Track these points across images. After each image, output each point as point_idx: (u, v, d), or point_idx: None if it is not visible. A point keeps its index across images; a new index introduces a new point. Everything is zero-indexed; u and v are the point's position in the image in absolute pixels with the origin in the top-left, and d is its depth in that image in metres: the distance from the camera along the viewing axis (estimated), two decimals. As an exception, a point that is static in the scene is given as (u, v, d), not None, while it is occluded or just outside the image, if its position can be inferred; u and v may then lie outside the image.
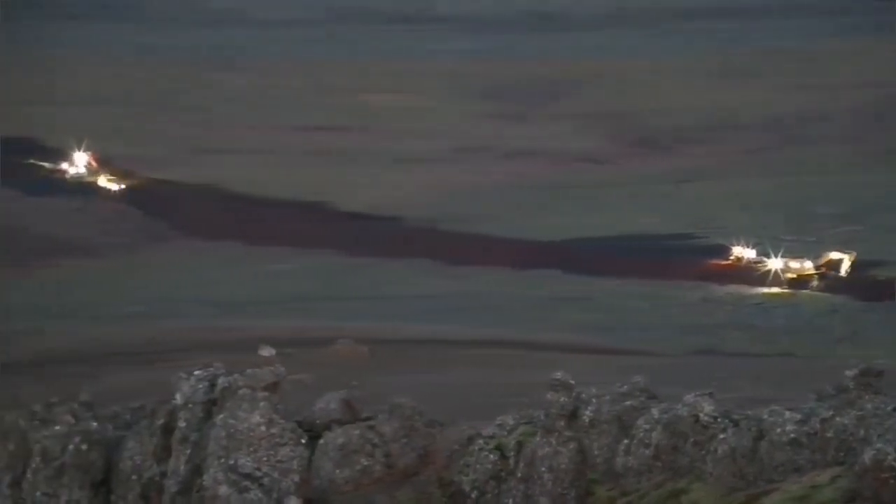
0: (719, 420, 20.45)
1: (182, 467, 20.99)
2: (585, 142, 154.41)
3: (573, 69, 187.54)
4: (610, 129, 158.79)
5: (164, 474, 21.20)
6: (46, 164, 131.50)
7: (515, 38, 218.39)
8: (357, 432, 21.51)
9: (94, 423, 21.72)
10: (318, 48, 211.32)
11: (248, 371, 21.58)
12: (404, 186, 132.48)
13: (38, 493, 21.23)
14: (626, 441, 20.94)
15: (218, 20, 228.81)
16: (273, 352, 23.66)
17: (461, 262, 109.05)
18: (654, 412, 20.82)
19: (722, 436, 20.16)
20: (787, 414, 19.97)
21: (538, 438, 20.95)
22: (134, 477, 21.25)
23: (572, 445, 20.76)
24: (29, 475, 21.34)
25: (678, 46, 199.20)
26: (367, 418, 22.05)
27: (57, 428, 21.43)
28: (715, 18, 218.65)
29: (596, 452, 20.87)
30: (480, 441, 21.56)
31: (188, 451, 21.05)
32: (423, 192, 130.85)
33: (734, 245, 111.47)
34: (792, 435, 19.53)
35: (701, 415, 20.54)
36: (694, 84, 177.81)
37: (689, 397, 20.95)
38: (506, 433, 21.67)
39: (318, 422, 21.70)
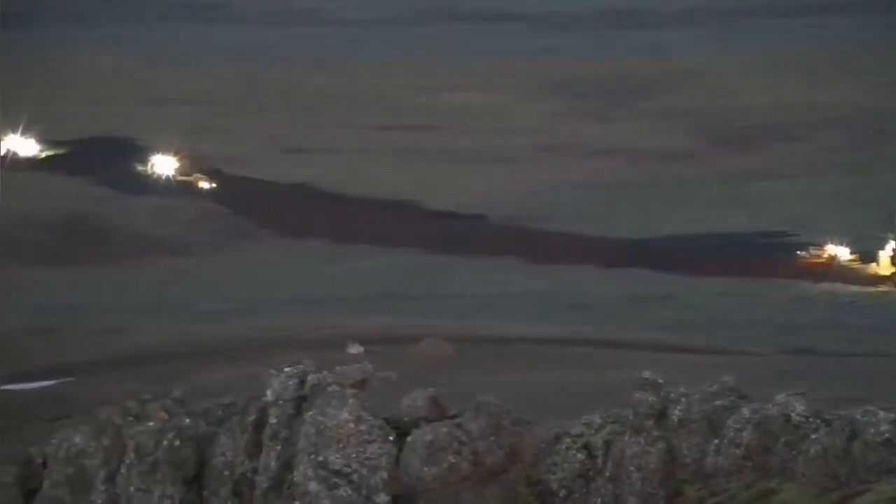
0: (811, 420, 20.13)
1: (273, 463, 21.19)
2: (670, 139, 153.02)
3: (656, 66, 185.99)
4: (694, 126, 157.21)
5: (255, 470, 21.42)
6: (140, 164, 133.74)
7: (598, 36, 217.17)
8: (444, 430, 21.55)
9: (187, 420, 21.99)
10: (403, 48, 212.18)
11: (337, 368, 21.73)
12: (489, 184, 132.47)
13: (132, 489, 21.56)
14: (715, 441, 20.71)
15: (306, 20, 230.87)
16: (361, 349, 23.77)
17: (547, 261, 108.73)
18: (745, 412, 20.55)
19: (814, 436, 19.86)
20: (881, 414, 19.60)
21: (626, 438, 20.81)
22: (226, 473, 21.50)
23: (661, 445, 20.59)
24: (123, 470, 21.68)
25: (762, 43, 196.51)
26: (454, 416, 22.07)
27: (150, 424, 21.73)
28: (797, 16, 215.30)
29: (685, 452, 20.66)
30: (568, 440, 21.46)
31: (279, 448, 21.25)
32: (507, 190, 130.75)
33: (826, 243, 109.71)
34: (886, 435, 19.17)
35: (792, 414, 20.24)
36: (778, 81, 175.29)
37: (780, 397, 20.65)
38: (593, 432, 21.54)
39: (405, 419, 21.78)
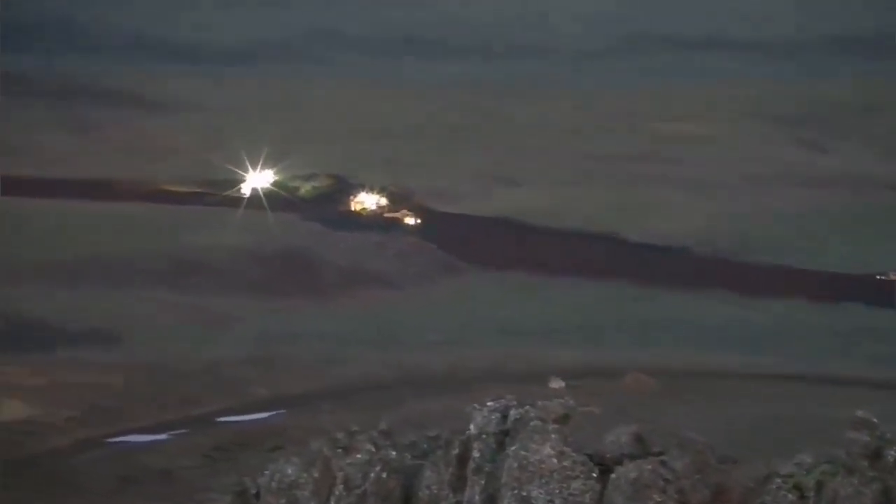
0: None
1: (477, 497, 21.34)
2: (889, 167, 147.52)
3: (873, 93, 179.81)
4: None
5: None
6: (348, 199, 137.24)
7: (815, 62, 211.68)
8: (649, 467, 21.27)
9: (393, 452, 22.36)
10: (608, 76, 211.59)
11: (539, 403, 21.75)
12: (697, 215, 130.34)
13: (341, 519, 21.98)
14: (934, 484, 19.83)
15: (512, 51, 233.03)
16: (562, 384, 23.72)
17: (756, 293, 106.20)
18: (966, 454, 19.63)
19: None
20: None
21: (839, 478, 20.16)
22: (431, 505, 21.75)
23: (876, 486, 19.87)
24: (333, 502, 22.17)
25: None
26: (659, 453, 21.77)
27: (358, 456, 22.18)
28: None
29: (901, 494, 19.88)
30: (778, 480, 20.91)
31: (482, 482, 21.38)
32: (717, 220, 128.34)
33: None
34: None
35: None
36: None
37: None
38: (805, 472, 20.94)
39: (608, 455, 21.61)
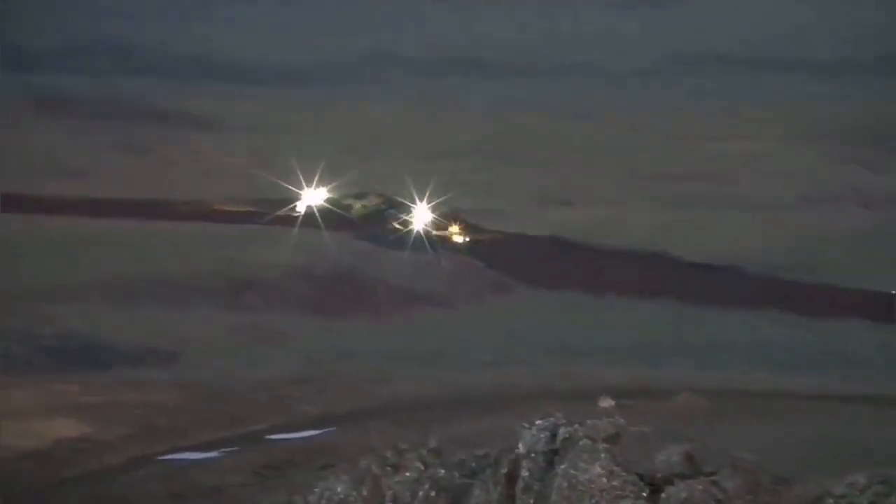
0: None
1: (525, 516, 21.29)
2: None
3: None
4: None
5: (508, 523, 21.55)
6: (399, 218, 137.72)
7: (868, 81, 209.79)
8: (700, 488, 21.14)
9: (442, 471, 22.37)
10: (659, 95, 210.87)
11: (589, 422, 21.68)
12: (751, 234, 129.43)
13: (390, 537, 22.01)
14: None
15: (562, 71, 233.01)
16: (612, 402, 23.66)
17: (810, 313, 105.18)
18: None
19: None
20: None
21: (893, 499, 19.93)
22: (479, 524, 21.72)
23: (930, 508, 19.61)
24: (381, 519, 22.21)
25: None
26: (710, 473, 21.63)
27: (407, 474, 22.22)
28: None
29: (957, 517, 19.60)
30: (830, 500, 20.70)
31: (531, 501, 21.33)
32: (771, 239, 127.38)
33: None
34: None
35: None
36: None
37: None
38: (858, 493, 20.71)
39: (659, 475, 21.49)
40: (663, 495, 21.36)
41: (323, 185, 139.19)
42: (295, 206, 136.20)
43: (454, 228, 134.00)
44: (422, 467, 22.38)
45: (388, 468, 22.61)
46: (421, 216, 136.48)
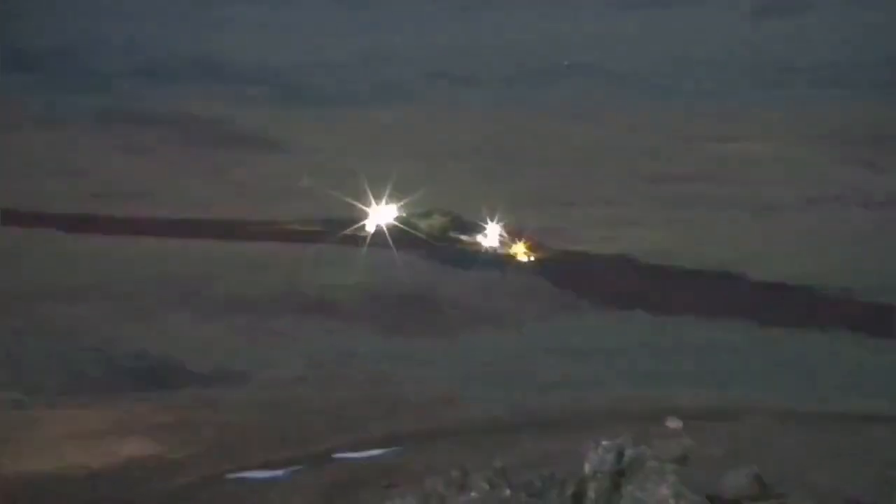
0: None
1: (591, 537, 21.16)
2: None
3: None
4: None
5: (573, 543, 21.44)
6: (465, 237, 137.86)
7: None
8: (769, 509, 20.89)
9: (508, 491, 22.34)
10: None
11: (656, 443, 21.55)
12: (825, 255, 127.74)
13: (455, 556, 21.97)
14: None
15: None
16: (680, 424, 23.46)
17: (884, 334, 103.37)
18: None
19: None
20: None
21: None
22: (545, 545, 21.63)
23: None
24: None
25: None
26: (780, 495, 21.39)
27: (473, 494, 22.23)
28: None
29: None
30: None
31: (597, 522, 21.20)
32: (846, 261, 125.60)
33: None
34: None
35: None
36: None
37: None
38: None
39: (727, 497, 21.30)
40: (732, 518, 21.16)
41: (389, 205, 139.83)
42: (362, 226, 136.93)
43: (521, 247, 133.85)
44: (488, 488, 22.39)
45: (454, 488, 22.65)
46: (487, 235, 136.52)
